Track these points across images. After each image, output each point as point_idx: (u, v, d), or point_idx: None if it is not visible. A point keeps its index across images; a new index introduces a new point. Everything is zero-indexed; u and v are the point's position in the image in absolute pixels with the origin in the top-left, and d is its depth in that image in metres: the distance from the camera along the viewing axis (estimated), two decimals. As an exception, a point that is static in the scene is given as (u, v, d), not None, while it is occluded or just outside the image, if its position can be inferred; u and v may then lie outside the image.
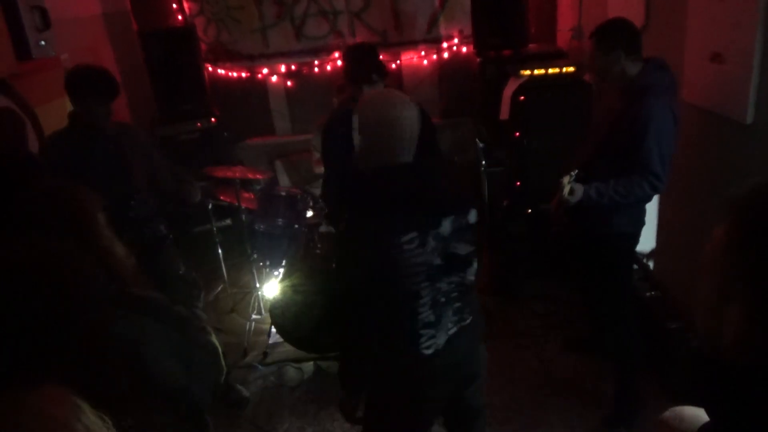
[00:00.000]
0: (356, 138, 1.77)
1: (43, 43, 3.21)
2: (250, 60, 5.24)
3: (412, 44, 5.15)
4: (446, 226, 1.73)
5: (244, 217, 3.77)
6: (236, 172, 3.70)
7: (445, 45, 5.15)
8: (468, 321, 1.85)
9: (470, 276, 1.83)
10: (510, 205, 4.03)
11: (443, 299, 1.78)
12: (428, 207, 1.72)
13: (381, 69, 2.91)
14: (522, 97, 3.71)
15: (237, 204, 3.72)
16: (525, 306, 3.90)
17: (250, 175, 3.81)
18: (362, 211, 1.71)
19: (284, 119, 5.51)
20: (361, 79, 2.86)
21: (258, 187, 4.44)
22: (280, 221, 3.70)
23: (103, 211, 1.73)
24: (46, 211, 1.59)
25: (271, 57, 5.23)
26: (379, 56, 2.97)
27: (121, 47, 4.80)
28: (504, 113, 3.98)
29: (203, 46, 5.09)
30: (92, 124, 2.70)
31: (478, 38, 4.56)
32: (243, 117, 5.33)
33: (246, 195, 4.04)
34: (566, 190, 2.48)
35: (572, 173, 2.51)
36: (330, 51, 5.21)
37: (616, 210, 2.53)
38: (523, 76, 3.86)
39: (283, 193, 3.83)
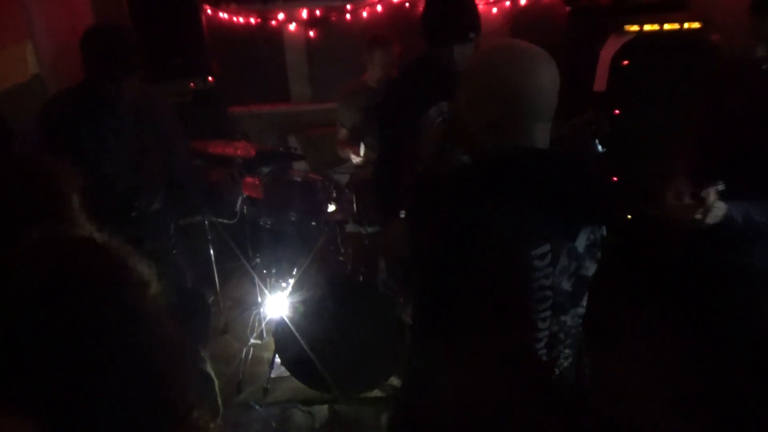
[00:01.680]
0: (459, 107, 1.67)
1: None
2: (263, 1, 5.27)
3: (478, -14, 5.11)
4: (582, 239, 1.65)
5: (245, 208, 3.77)
6: (238, 149, 3.70)
7: (522, -12, 5.09)
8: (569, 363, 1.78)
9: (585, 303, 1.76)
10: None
11: (563, 337, 1.70)
12: (567, 211, 1.61)
13: (478, 22, 2.88)
14: (626, 62, 3.67)
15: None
16: (619, 346, 3.81)
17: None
18: (476, 212, 1.58)
19: (303, 82, 5.54)
20: (454, 36, 2.81)
21: (266, 170, 4.44)
22: (292, 216, 3.69)
23: (79, 193, 1.79)
24: (5, 187, 1.64)
25: (290, -2, 5.26)
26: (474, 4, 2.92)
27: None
28: (599, 83, 3.93)
29: (202, -18, 5.14)
30: (105, 93, 2.74)
31: (567, -21, 4.52)
32: (249, 77, 5.38)
33: (249, 180, 4.05)
34: (711, 210, 2.35)
35: (718, 185, 2.39)
36: (368, -7, 5.20)
37: (759, 236, 2.44)
38: (627, 33, 3.82)
39: (298, 179, 3.81)
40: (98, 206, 2.71)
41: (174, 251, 3.06)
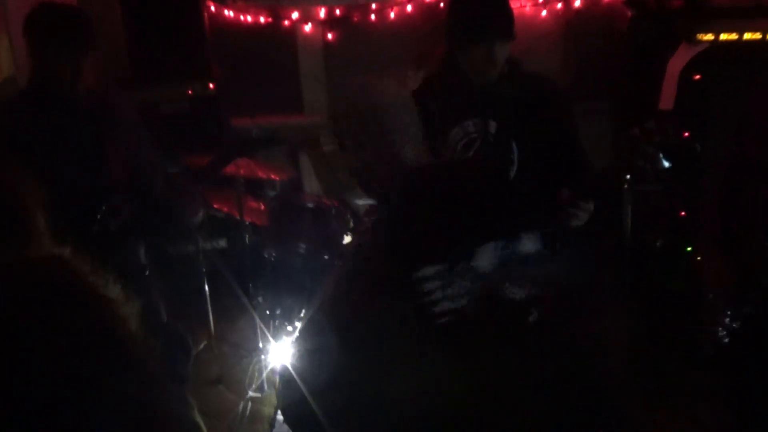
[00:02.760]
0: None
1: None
2: (275, -2, 5.36)
3: (525, -16, 5.16)
4: (484, 256, 1.74)
5: (247, 237, 3.80)
6: (240, 168, 3.75)
7: (576, -12, 5.14)
8: None
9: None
10: (668, 244, 3.94)
11: None
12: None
13: (510, 23, 2.90)
14: (697, 76, 3.66)
15: (238, 217, 3.76)
16: (682, 409, 3.78)
17: (262, 174, 3.85)
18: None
19: (319, 91, 5.61)
20: (481, 38, 2.81)
21: (272, 193, 4.49)
22: (301, 247, 3.72)
23: (44, 210, 1.80)
24: None
25: (307, -7, 5.35)
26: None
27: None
28: (666, 100, 3.93)
29: (205, -27, 5.25)
30: (56, 88, 2.80)
31: (630, -21, 4.53)
32: (256, 84, 5.44)
33: (253, 204, 4.09)
34: None
35: None
36: (396, -11, 5.27)
37: None
38: (700, 42, 3.83)
39: (310, 204, 3.85)
40: (55, 221, 2.77)
41: (144, 278, 3.03)
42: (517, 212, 1.90)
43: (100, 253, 2.83)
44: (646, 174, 2.43)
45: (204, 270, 4.15)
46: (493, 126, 2.69)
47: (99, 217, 2.83)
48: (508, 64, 2.75)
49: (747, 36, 3.76)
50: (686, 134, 3.76)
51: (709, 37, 3.81)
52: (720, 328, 2.74)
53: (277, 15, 5.41)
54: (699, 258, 3.80)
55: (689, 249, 3.88)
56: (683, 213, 3.86)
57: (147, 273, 3.07)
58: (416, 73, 3.98)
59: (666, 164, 2.40)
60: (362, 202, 4.28)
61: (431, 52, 3.90)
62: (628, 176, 4.07)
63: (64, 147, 2.79)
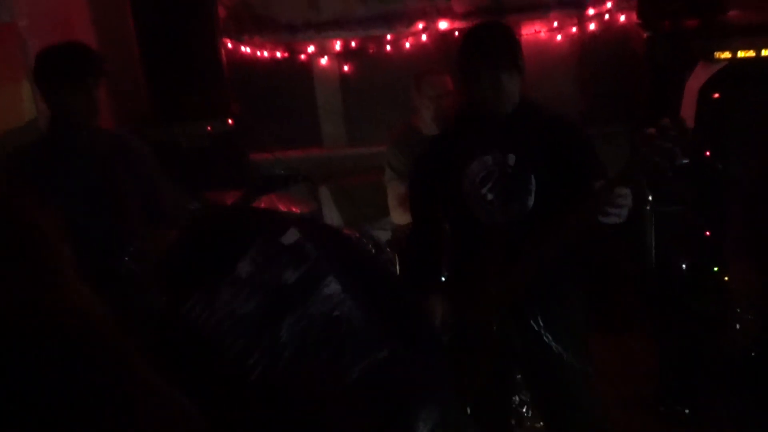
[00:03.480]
0: None
1: (-7, 4, 3.43)
2: (291, 32, 5.40)
3: (539, 9, 5.18)
4: (244, 267, 1.83)
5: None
6: (261, 202, 3.76)
7: (591, 11, 5.14)
8: None
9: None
10: (693, 267, 3.90)
11: None
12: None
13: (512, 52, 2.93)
14: (716, 95, 3.66)
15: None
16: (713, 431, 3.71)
17: (282, 207, 3.87)
18: None
19: (337, 123, 5.64)
20: (486, 66, 2.83)
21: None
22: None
23: (65, 243, 1.79)
24: None
25: (322, 28, 5.37)
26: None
27: (103, 11, 5.03)
28: (686, 119, 3.90)
29: (221, 11, 5.29)
30: (70, 127, 2.84)
31: (645, 1, 4.51)
32: (275, 118, 5.48)
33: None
34: None
35: None
36: (411, 20, 5.29)
37: None
38: (718, 60, 3.80)
39: (331, 236, 3.85)
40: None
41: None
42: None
43: (124, 298, 2.87)
44: (665, 172, 2.42)
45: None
46: (512, 159, 2.70)
47: (123, 263, 2.85)
48: (522, 96, 2.76)
49: (765, 53, 3.73)
50: (707, 153, 3.74)
51: (727, 55, 3.79)
52: (749, 344, 2.72)
53: (293, 49, 5.46)
54: (726, 278, 3.76)
55: (716, 269, 3.83)
56: (708, 233, 3.82)
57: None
58: (419, 95, 4.02)
59: (684, 160, 2.41)
60: (381, 231, 4.29)
61: (427, 73, 3.94)
62: (650, 197, 4.07)
63: (82, 189, 2.82)
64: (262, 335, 1.88)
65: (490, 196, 2.72)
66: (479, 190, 2.73)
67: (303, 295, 1.94)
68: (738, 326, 3.74)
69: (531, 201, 2.72)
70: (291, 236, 1.94)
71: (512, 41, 2.89)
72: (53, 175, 2.80)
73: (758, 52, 3.76)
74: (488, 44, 2.86)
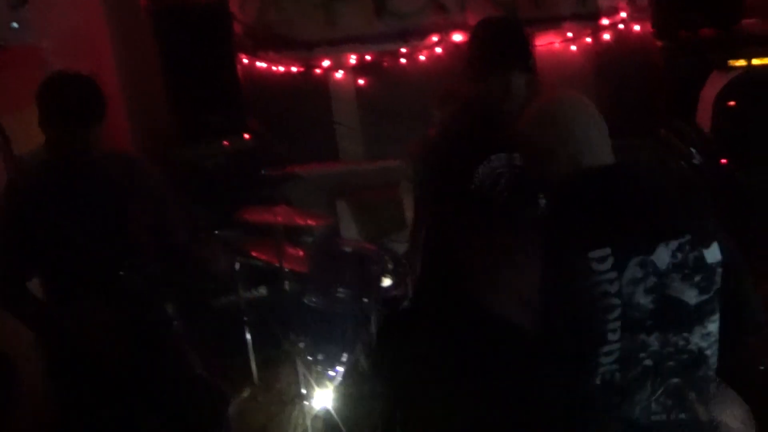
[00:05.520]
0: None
1: (15, 25, 3.49)
2: (307, 48, 5.45)
3: (553, 21, 5.21)
4: (663, 254, 1.88)
5: (287, 284, 3.84)
6: (279, 216, 3.79)
7: (605, 21, 5.16)
8: (687, 417, 1.94)
9: (701, 342, 1.95)
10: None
11: (648, 362, 1.90)
12: (635, 220, 1.92)
13: (523, 52, 2.95)
14: (732, 102, 3.65)
15: (278, 265, 3.81)
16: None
17: (300, 221, 3.90)
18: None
19: (354, 137, 5.66)
20: (498, 66, 2.85)
21: (311, 240, 4.54)
22: (341, 292, 3.74)
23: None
24: None
25: (338, 43, 5.42)
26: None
27: (124, 30, 5.07)
28: (703, 127, 3.89)
29: (238, 29, 5.32)
30: (67, 156, 2.87)
31: (660, 11, 4.55)
32: (292, 133, 5.50)
33: (292, 251, 4.13)
34: None
35: None
36: (425, 34, 5.34)
37: None
38: (734, 68, 3.83)
39: (348, 250, 3.88)
40: (77, 281, 2.82)
41: (171, 331, 3.08)
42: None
43: (126, 310, 2.91)
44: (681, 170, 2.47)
45: (246, 319, 4.18)
46: (518, 158, 2.72)
47: (121, 274, 2.86)
48: (528, 96, 2.78)
49: None
50: (724, 161, 3.72)
51: (742, 62, 3.80)
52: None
53: (309, 64, 5.49)
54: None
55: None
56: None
57: (174, 325, 3.11)
58: (440, 112, 4.02)
59: (697, 160, 2.47)
60: (397, 243, 4.30)
61: (454, 90, 3.95)
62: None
63: (83, 210, 2.82)
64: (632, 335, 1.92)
65: (501, 198, 2.75)
66: (490, 193, 2.76)
67: (685, 327, 1.99)
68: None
69: (543, 200, 2.74)
70: (714, 253, 2.01)
71: (522, 39, 2.92)
72: (55, 196, 2.82)
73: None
74: (501, 44, 2.90)
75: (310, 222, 4.01)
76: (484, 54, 2.90)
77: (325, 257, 3.87)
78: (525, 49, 2.90)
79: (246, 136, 4.87)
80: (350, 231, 5.42)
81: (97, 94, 2.89)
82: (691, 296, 1.92)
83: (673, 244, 1.90)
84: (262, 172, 4.91)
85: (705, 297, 1.94)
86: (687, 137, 2.66)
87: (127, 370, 2.67)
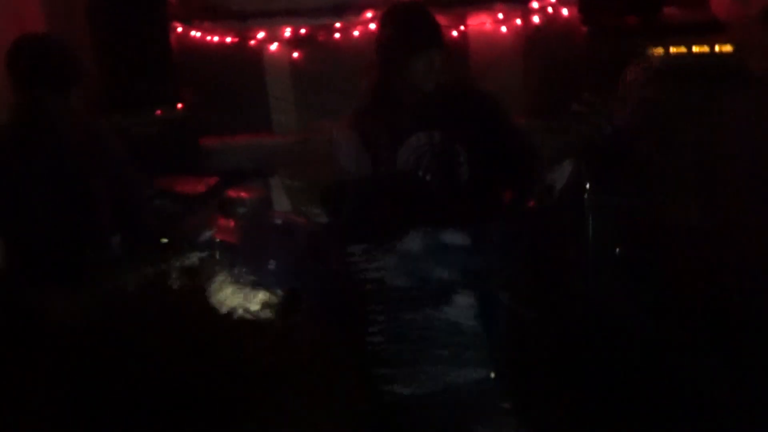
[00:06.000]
0: None
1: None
2: (241, 19, 5.46)
3: (485, 2, 5.29)
4: (414, 242, 2.14)
5: (218, 254, 3.86)
6: (210, 187, 3.81)
7: (535, 5, 5.26)
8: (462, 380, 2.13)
9: (457, 317, 2.16)
10: (627, 253, 4.00)
11: (412, 335, 2.15)
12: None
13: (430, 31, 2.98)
14: (650, 90, 3.74)
15: (209, 235, 3.82)
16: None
17: (231, 193, 3.92)
18: None
19: (287, 110, 5.68)
20: (408, 47, 2.88)
21: (242, 211, 4.56)
22: (271, 264, 3.78)
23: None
24: None
25: (273, 15, 5.45)
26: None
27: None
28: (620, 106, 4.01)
29: (172, -2, 5.31)
30: (41, 123, 2.85)
31: (586, -4, 4.66)
32: (224, 104, 5.49)
33: (223, 222, 4.15)
34: None
35: None
36: (360, 9, 5.40)
37: None
38: (651, 56, 3.92)
39: (279, 222, 3.92)
40: (42, 254, 2.82)
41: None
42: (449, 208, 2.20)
43: (94, 290, 2.91)
44: (596, 145, 2.55)
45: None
46: (437, 136, 2.77)
47: (88, 256, 2.87)
48: (443, 74, 2.85)
49: (695, 49, 3.83)
50: (642, 145, 3.81)
51: (659, 51, 3.89)
52: None
53: (243, 35, 5.49)
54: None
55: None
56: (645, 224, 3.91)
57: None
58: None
59: (610, 129, 2.55)
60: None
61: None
62: (588, 186, 4.15)
63: (48, 183, 2.82)
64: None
65: (428, 176, 2.82)
66: (416, 172, 2.82)
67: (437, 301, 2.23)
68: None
69: (465, 173, 2.82)
70: (457, 237, 2.37)
71: (432, 19, 2.98)
72: (18, 166, 2.82)
73: (688, 47, 3.87)
74: (417, 22, 2.95)
75: (242, 193, 4.03)
76: (400, 35, 2.92)
77: (256, 229, 3.90)
78: (438, 27, 2.96)
79: (179, 105, 4.83)
80: (283, 203, 5.44)
81: (70, 57, 2.87)
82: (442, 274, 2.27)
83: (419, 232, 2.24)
84: (195, 141, 4.92)
85: (456, 277, 2.26)
86: (596, 110, 2.75)
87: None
